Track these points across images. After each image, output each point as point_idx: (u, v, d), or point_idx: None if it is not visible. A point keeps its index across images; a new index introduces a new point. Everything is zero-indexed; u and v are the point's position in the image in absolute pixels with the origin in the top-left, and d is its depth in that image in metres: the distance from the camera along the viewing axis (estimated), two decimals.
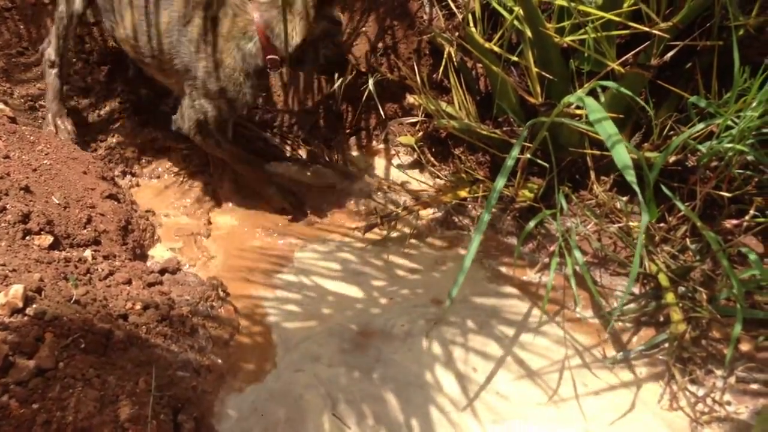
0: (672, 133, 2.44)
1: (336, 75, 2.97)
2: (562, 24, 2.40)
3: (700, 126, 2.21)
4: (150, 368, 1.80)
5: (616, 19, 2.24)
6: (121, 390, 1.64)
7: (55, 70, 2.85)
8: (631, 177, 1.79)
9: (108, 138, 3.00)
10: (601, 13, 2.23)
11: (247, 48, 2.55)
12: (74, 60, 3.02)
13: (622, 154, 1.83)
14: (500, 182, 1.98)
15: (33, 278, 1.84)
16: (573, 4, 2.30)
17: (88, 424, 1.51)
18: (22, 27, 3.05)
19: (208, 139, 2.72)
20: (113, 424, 1.55)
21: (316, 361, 2.18)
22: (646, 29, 2.28)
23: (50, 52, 2.85)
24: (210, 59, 2.55)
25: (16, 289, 1.72)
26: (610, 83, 2.21)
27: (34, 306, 1.73)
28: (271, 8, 2.53)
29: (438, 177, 2.90)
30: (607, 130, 1.90)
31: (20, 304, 1.70)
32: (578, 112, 2.37)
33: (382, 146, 3.11)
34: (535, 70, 2.46)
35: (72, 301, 1.86)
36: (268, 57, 2.56)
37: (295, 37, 2.52)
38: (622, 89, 2.18)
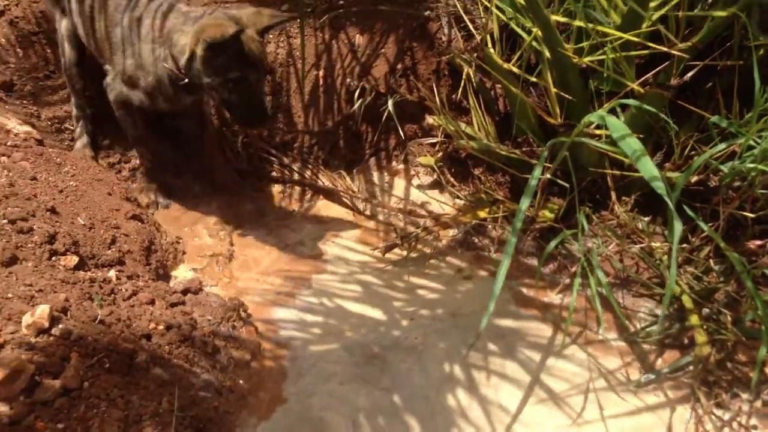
0: (693, 153, 2.43)
1: (252, 127, 2.94)
2: (580, 45, 2.42)
3: (722, 146, 2.20)
4: (173, 388, 1.82)
5: (635, 39, 2.24)
6: (145, 410, 1.66)
7: (80, 123, 2.99)
8: (660, 189, 1.80)
9: (132, 159, 3.04)
10: (620, 34, 2.24)
11: (159, 53, 2.53)
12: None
13: (649, 167, 1.84)
14: (525, 203, 1.98)
15: (59, 298, 1.86)
16: (591, 25, 2.31)
17: None
18: (49, 51, 3.12)
19: (127, 117, 2.80)
20: None
21: (334, 380, 2.19)
22: (665, 50, 2.29)
23: (72, 109, 3.01)
24: (131, 58, 2.62)
25: (42, 310, 1.74)
26: (631, 101, 2.22)
27: (60, 326, 1.75)
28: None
29: (458, 197, 2.90)
30: (631, 145, 1.91)
31: (46, 324, 1.72)
32: (598, 132, 2.38)
33: (402, 166, 3.12)
34: (554, 90, 2.46)
35: (97, 321, 1.88)
36: (164, 65, 2.52)
37: (182, 56, 2.43)
38: (644, 106, 2.19)
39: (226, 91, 2.39)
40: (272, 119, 2.65)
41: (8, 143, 2.53)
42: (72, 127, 3.00)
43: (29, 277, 1.94)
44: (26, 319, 1.73)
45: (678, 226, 1.79)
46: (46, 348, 1.67)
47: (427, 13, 3.07)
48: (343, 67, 3.17)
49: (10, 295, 1.81)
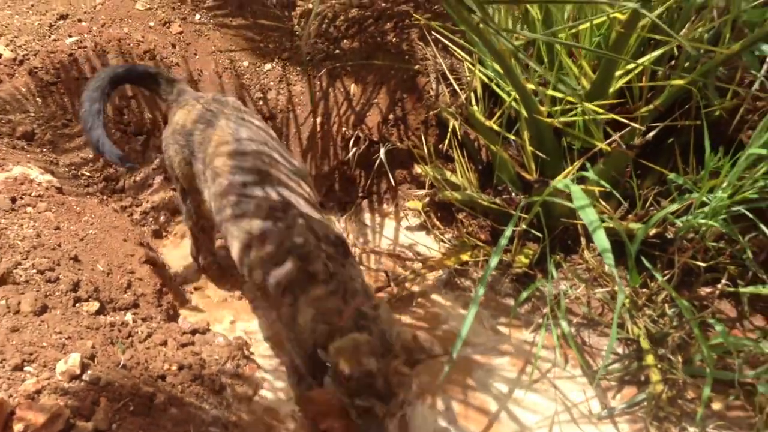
0: (652, 208, 2.69)
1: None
2: (555, 108, 2.68)
3: (674, 206, 2.47)
4: (188, 426, 2.07)
5: (599, 111, 2.50)
6: None
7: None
8: (609, 261, 2.06)
9: (143, 203, 3.29)
10: (587, 105, 2.50)
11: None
12: (113, 131, 3.33)
13: (602, 240, 2.10)
14: (494, 260, 2.24)
15: (86, 345, 2.12)
16: (562, 95, 2.58)
17: None
18: (66, 100, 3.37)
19: None
20: None
21: None
22: (628, 117, 2.55)
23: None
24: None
25: (74, 358, 2.00)
26: (590, 173, 2.48)
27: (89, 372, 2.01)
28: None
29: (442, 240, 3.16)
30: (589, 216, 2.16)
31: (78, 372, 1.98)
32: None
33: (392, 209, 3.39)
34: (530, 149, 2.73)
35: (120, 366, 2.13)
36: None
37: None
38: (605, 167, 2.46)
39: (354, 414, 2.02)
40: None
41: (32, 194, 2.77)
42: (88, 174, 3.24)
43: (59, 325, 2.19)
44: (60, 366, 1.98)
45: (621, 298, 2.05)
46: (78, 393, 1.92)
47: (416, 67, 3.34)
48: (339, 114, 3.43)
49: (44, 344, 2.06)
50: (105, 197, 3.23)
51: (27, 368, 1.98)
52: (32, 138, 3.21)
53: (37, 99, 3.33)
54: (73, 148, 3.31)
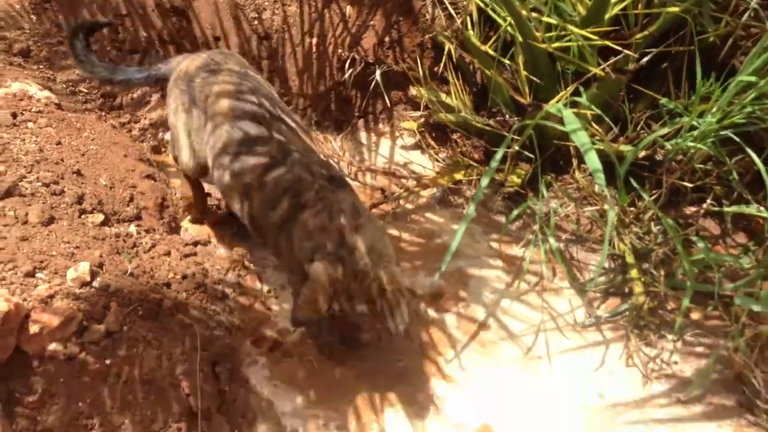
0: (643, 132, 2.76)
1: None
2: (549, 34, 2.70)
3: (665, 130, 2.54)
4: (193, 330, 2.18)
5: (594, 38, 2.54)
6: (174, 349, 2.03)
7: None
8: (600, 181, 2.14)
9: (141, 120, 3.32)
10: (583, 32, 2.53)
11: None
12: (108, 48, 3.34)
13: (594, 161, 2.17)
14: (485, 181, 2.33)
15: (94, 255, 2.20)
16: (558, 21, 2.60)
17: (152, 377, 1.90)
18: (60, 17, 3.35)
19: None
20: (171, 377, 1.94)
21: None
22: (623, 44, 2.59)
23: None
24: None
25: (84, 266, 2.08)
26: (582, 99, 2.52)
27: (98, 279, 2.09)
28: None
29: (436, 160, 3.23)
30: (581, 139, 2.23)
31: (88, 279, 2.06)
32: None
33: (387, 129, 3.44)
34: (524, 73, 2.77)
35: (127, 274, 2.22)
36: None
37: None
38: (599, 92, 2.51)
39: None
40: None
41: (32, 109, 2.80)
42: (86, 91, 3.26)
43: (66, 235, 2.26)
44: (70, 273, 2.06)
45: (611, 215, 2.13)
46: (89, 298, 2.01)
47: None
48: (334, 36, 3.44)
49: (54, 253, 2.14)
50: (103, 113, 3.26)
51: (39, 275, 2.06)
52: (28, 55, 3.22)
53: (32, 16, 3.32)
54: (69, 65, 3.31)
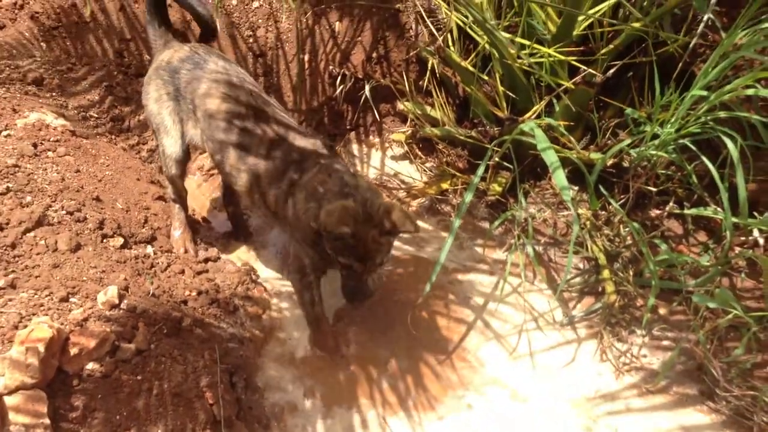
0: (610, 142, 3.02)
1: (348, 301, 2.75)
2: (524, 52, 2.93)
3: (629, 140, 2.79)
4: (212, 344, 2.45)
5: (563, 57, 2.77)
6: (197, 363, 2.29)
7: (177, 205, 3.08)
8: (567, 197, 2.39)
9: (149, 141, 3.56)
10: (552, 52, 2.77)
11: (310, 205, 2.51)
12: (115, 73, 3.56)
13: (561, 179, 2.41)
14: (468, 196, 2.57)
15: (119, 278, 2.46)
16: (528, 42, 2.83)
17: (179, 390, 2.17)
18: (69, 43, 3.57)
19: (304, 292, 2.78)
20: (196, 388, 2.20)
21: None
22: (589, 59, 2.83)
23: (169, 193, 3.09)
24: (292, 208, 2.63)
25: (112, 290, 2.33)
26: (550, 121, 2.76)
27: (125, 302, 2.35)
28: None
29: (424, 170, 3.48)
30: (550, 158, 2.47)
31: (117, 301, 2.32)
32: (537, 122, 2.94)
33: (377, 140, 3.69)
34: (501, 89, 3.02)
35: (150, 295, 2.48)
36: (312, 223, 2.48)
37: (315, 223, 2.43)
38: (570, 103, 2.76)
39: (339, 267, 2.51)
40: (370, 297, 2.68)
41: (51, 138, 3.03)
42: (96, 115, 3.49)
43: (93, 260, 2.52)
44: (101, 297, 2.32)
45: (576, 229, 2.38)
46: (119, 320, 2.27)
47: (397, 6, 3.55)
48: (325, 52, 3.67)
49: (84, 278, 2.39)
50: (113, 137, 3.49)
51: (72, 300, 2.32)
52: (41, 83, 3.44)
53: (42, 44, 3.53)
54: (79, 91, 3.54)
